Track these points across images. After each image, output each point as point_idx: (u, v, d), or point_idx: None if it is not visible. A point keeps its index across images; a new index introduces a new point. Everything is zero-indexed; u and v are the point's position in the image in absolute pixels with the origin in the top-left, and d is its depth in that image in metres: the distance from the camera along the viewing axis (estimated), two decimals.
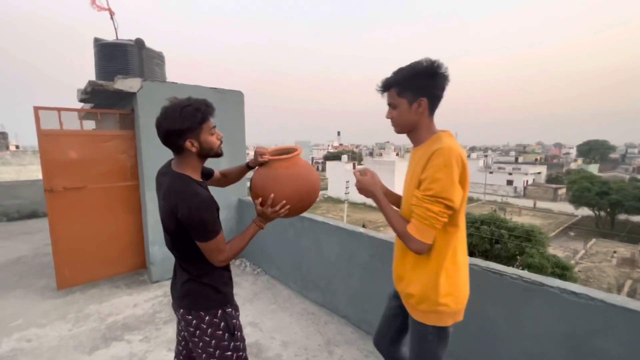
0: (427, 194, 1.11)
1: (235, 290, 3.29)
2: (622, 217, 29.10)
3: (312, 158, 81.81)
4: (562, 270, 13.08)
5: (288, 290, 3.37)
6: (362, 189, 1.33)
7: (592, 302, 1.44)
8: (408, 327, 1.36)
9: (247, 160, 1.54)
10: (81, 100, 3.70)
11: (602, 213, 29.50)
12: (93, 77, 3.70)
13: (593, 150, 70.84)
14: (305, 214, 3.18)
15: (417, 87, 1.17)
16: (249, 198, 4.21)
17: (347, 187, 28.84)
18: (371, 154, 70.29)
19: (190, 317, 1.27)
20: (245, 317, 2.83)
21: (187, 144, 1.18)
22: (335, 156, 61.95)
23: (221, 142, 1.29)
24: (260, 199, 1.32)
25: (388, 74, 1.23)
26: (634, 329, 1.34)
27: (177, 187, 1.18)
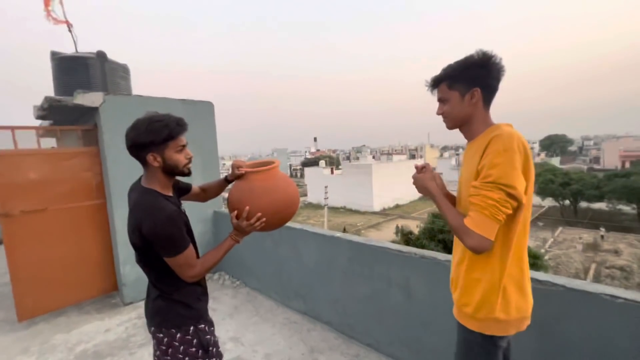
0: (485, 181, 1.01)
1: (215, 305, 3.22)
2: (584, 205, 31.14)
3: (290, 165, 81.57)
4: (533, 259, 13.75)
5: (269, 301, 3.31)
6: (417, 185, 1.25)
7: (554, 288, 1.53)
8: None
9: (226, 174, 1.54)
10: (38, 118, 3.49)
11: (566, 202, 31.44)
12: (51, 92, 3.52)
13: (554, 144, 75.57)
14: None
15: (469, 78, 1.11)
16: (225, 210, 4.13)
17: (326, 193, 28.95)
18: (348, 158, 71.15)
19: (161, 335, 1.23)
20: (226, 332, 2.75)
21: (150, 157, 1.17)
22: (313, 162, 62.20)
23: (189, 161, 1.27)
24: (235, 212, 1.31)
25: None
26: (593, 310, 1.43)
27: (142, 202, 1.16)
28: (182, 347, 1.22)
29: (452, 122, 1.20)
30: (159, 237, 1.12)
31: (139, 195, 1.19)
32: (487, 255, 1.10)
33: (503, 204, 0.99)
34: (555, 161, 52.68)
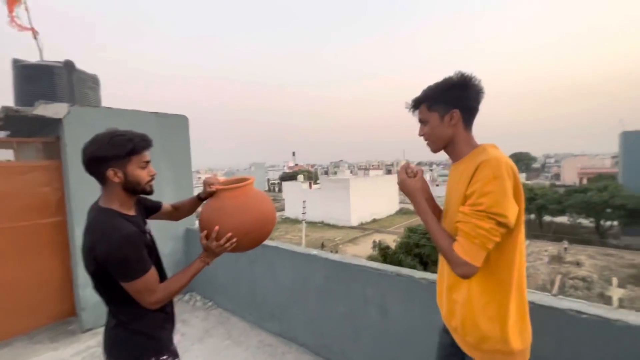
0: (476, 209, 0.98)
1: (184, 329, 3.04)
2: (548, 219, 32.96)
3: (268, 179, 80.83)
4: None
5: (243, 322, 3.17)
6: (405, 190, 1.21)
7: None
8: None
9: (199, 193, 1.45)
10: None
11: (532, 216, 33.15)
12: (11, 101, 3.29)
13: (519, 161, 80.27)
14: None
15: (448, 100, 1.12)
16: (197, 227, 3.98)
17: (304, 207, 28.80)
18: (326, 173, 71.63)
19: None
20: (196, 358, 2.58)
21: (110, 172, 1.09)
22: (291, 176, 61.99)
23: (152, 178, 1.20)
24: (205, 232, 1.23)
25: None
26: (559, 325, 1.48)
27: (96, 222, 1.08)
28: None
29: (434, 145, 1.20)
30: (113, 260, 1.04)
31: (94, 215, 1.11)
32: (492, 282, 1.07)
33: (493, 234, 0.98)
34: (522, 177, 55.84)
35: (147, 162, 1.17)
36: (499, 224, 0.97)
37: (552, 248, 25.82)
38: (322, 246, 26.41)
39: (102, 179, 1.12)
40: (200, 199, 1.45)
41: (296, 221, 36.57)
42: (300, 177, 52.73)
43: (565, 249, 24.74)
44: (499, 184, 0.97)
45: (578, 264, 22.31)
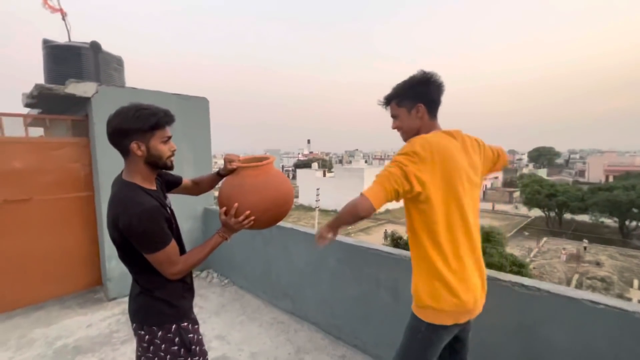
0: (392, 161, 1.19)
1: (202, 303, 3.18)
2: (568, 216, 31.89)
3: (283, 166, 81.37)
4: (518, 268, 14.00)
5: (257, 300, 3.29)
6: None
7: (539, 293, 1.56)
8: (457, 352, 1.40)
9: (219, 169, 1.48)
10: (27, 106, 3.41)
11: (552, 213, 32.14)
12: (41, 81, 3.44)
13: (542, 156, 77.35)
14: None
15: (413, 95, 1.28)
16: (216, 207, 4.09)
17: (317, 195, 28.93)
18: (341, 162, 71.35)
19: (142, 332, 1.20)
20: (212, 330, 2.72)
21: (134, 145, 1.11)
22: (305, 164, 62.14)
23: (173, 154, 1.22)
24: (224, 208, 1.25)
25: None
26: (575, 316, 1.47)
27: (120, 196, 1.12)
28: (163, 345, 1.20)
29: (405, 135, 1.34)
30: (135, 232, 1.07)
31: (117, 189, 1.15)
32: (416, 249, 1.28)
33: (395, 178, 1.14)
34: (543, 173, 53.89)
35: (169, 137, 1.19)
36: (403, 173, 1.14)
37: (570, 246, 25.06)
38: None
39: (125, 152, 1.14)
40: (220, 175, 1.47)
41: (309, 208, 36.86)
42: (315, 165, 52.77)
43: (585, 248, 23.97)
44: (407, 145, 1.19)
45: (598, 263, 21.62)
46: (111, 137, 1.13)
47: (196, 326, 1.32)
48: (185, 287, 1.30)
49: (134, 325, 1.23)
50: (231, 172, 1.36)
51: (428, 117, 1.28)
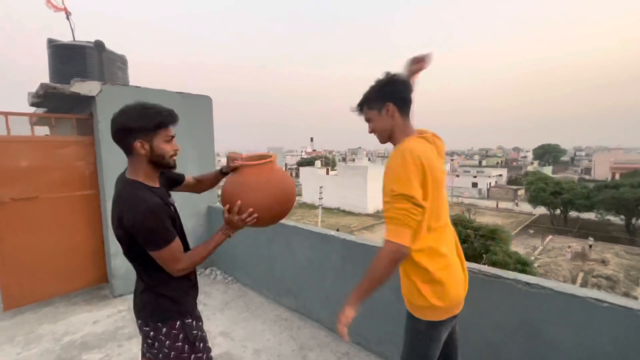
0: (392, 195, 1.14)
1: (206, 300, 3.21)
2: (574, 214, 31.60)
3: (286, 164, 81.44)
4: (522, 266, 13.94)
5: (260, 297, 3.31)
6: None
7: (543, 291, 1.56)
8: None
9: (221, 167, 1.49)
10: (33, 105, 3.45)
11: (557, 211, 31.87)
12: (46, 80, 3.47)
13: (547, 153, 76.62)
14: None
15: (381, 96, 1.29)
16: (219, 205, 4.11)
17: (320, 193, 28.95)
18: (344, 160, 71.28)
19: (147, 328, 1.22)
20: (216, 327, 2.74)
21: (137, 144, 1.12)
22: (308, 162, 62.15)
23: (175, 153, 1.23)
24: (227, 206, 1.26)
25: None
26: (580, 314, 1.46)
27: (124, 194, 1.14)
28: (167, 342, 1.21)
29: (381, 137, 1.36)
30: (140, 230, 1.09)
31: (122, 187, 1.17)
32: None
33: (413, 212, 1.13)
34: (548, 170, 53.40)
35: (173, 136, 1.20)
36: (414, 204, 1.13)
37: (576, 244, 24.87)
38: (337, 231, 26.60)
39: (128, 150, 1.15)
40: (222, 173, 1.49)
41: (312, 206, 36.91)
42: (318, 163, 52.75)
43: (591, 246, 23.76)
44: (402, 171, 1.15)
45: (603, 261, 21.44)
46: (115, 135, 1.14)
47: (200, 323, 1.34)
48: (189, 284, 1.31)
49: (139, 322, 1.25)
50: (234, 170, 1.37)
51: (399, 116, 1.30)
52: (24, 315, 3.01)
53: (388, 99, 1.28)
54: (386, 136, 1.34)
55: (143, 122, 1.11)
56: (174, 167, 1.25)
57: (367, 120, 1.36)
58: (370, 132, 1.38)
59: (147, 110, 1.12)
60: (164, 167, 1.22)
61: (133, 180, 1.16)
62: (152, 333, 1.22)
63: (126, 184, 1.16)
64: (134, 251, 1.17)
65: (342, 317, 1.22)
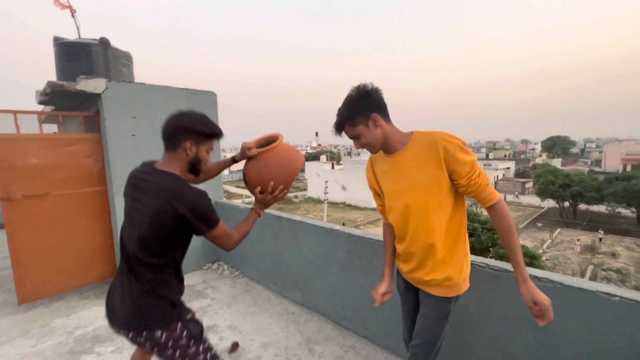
0: (475, 163, 1.26)
1: (214, 295, 3.25)
2: (583, 207, 31.15)
3: None
4: (530, 259, 13.82)
5: (267, 291, 3.34)
6: None
7: (552, 285, 1.54)
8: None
9: (234, 155, 1.61)
10: (40, 103, 3.49)
11: (566, 204, 31.43)
12: (53, 78, 3.50)
13: (556, 145, 75.32)
14: (283, 214, 3.20)
15: (363, 110, 1.28)
16: (226, 200, 4.14)
17: (326, 188, 28.96)
18: (349, 154, 71.02)
19: (142, 338, 1.20)
20: (224, 320, 2.78)
21: (187, 144, 1.23)
22: (313, 156, 62.08)
23: (205, 163, 1.35)
24: (259, 188, 1.45)
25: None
26: (589, 308, 1.45)
27: (173, 185, 1.18)
28: (170, 343, 1.20)
29: (374, 148, 1.37)
30: (199, 213, 1.18)
31: (165, 179, 1.19)
32: (452, 236, 1.38)
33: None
34: (557, 162, 52.55)
35: (212, 150, 1.35)
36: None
37: (585, 237, 24.55)
38: (343, 225, 26.67)
39: (176, 146, 1.23)
40: (234, 160, 1.62)
41: (318, 201, 36.97)
42: (323, 157, 52.68)
43: (601, 239, 23.44)
44: (469, 154, 1.27)
45: (613, 255, 21.15)
46: (172, 130, 1.23)
47: (193, 311, 1.34)
48: (180, 282, 1.33)
49: (131, 333, 1.21)
50: (247, 157, 1.52)
51: (386, 122, 1.32)
52: (38, 309, 3.09)
53: (372, 110, 1.28)
54: (378, 146, 1.35)
55: (203, 128, 1.25)
56: (200, 173, 1.37)
57: (355, 137, 1.33)
58: (361, 147, 1.37)
59: (207, 120, 1.28)
60: (193, 171, 1.33)
61: (175, 174, 1.23)
62: (148, 342, 1.20)
63: (170, 176, 1.20)
64: (167, 242, 1.19)
65: (544, 299, 1.26)
